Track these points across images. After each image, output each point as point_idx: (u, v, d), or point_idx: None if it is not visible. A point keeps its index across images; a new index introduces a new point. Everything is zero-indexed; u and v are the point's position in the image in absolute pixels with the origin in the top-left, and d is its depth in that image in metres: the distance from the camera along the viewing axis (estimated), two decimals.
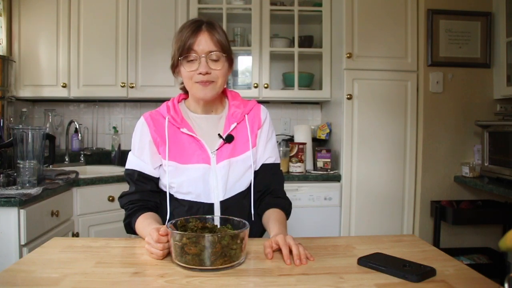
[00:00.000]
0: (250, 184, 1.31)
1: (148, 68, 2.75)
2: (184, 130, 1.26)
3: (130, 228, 1.26)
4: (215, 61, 1.23)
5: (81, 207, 2.24)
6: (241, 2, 2.83)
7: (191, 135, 1.26)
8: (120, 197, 1.31)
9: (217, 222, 1.08)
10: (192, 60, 1.22)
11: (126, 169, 1.30)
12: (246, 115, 1.33)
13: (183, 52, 1.22)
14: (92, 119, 3.07)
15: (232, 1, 2.82)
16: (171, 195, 1.27)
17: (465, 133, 2.56)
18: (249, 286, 0.86)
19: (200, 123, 1.31)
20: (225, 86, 1.33)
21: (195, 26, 1.23)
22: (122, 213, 1.31)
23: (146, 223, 1.18)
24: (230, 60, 1.29)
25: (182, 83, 1.34)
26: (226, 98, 1.38)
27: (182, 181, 1.25)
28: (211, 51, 1.22)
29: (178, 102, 1.35)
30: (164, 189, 1.29)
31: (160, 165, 1.29)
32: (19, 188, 1.85)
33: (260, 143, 1.34)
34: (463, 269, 0.95)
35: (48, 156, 2.27)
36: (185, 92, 1.37)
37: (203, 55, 1.21)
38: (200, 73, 1.21)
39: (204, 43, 1.21)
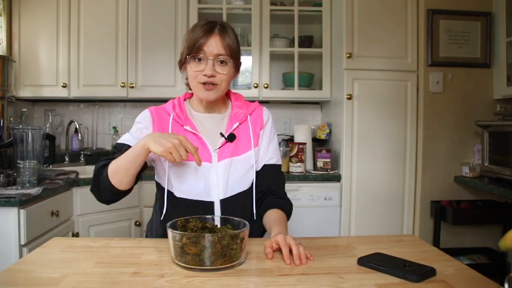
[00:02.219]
0: (252, 184, 1.31)
1: (148, 68, 2.75)
2: (188, 127, 1.27)
3: (100, 176, 1.18)
4: (222, 65, 1.24)
5: (81, 207, 2.24)
6: (241, 2, 2.83)
7: (193, 133, 1.27)
8: (99, 160, 1.24)
9: (217, 222, 1.08)
10: (199, 60, 1.23)
11: (117, 143, 1.28)
12: (248, 116, 1.34)
13: (192, 51, 1.23)
14: (92, 119, 3.07)
15: (232, 1, 2.83)
16: (171, 193, 1.27)
17: (465, 133, 2.56)
18: (249, 286, 0.86)
19: (203, 122, 1.32)
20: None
21: (209, 28, 1.24)
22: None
23: (128, 151, 1.15)
24: (237, 65, 1.31)
25: (187, 78, 1.35)
26: (229, 99, 1.39)
27: (183, 178, 1.25)
28: (219, 55, 1.23)
29: (184, 100, 1.36)
30: (163, 185, 1.28)
31: (152, 160, 1.28)
32: (19, 188, 1.85)
33: (262, 144, 1.35)
34: (463, 269, 0.95)
35: (48, 156, 2.27)
36: (190, 88, 1.38)
37: (210, 57, 1.22)
38: (205, 75, 1.22)
39: (214, 45, 1.22)
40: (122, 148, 1.25)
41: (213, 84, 1.24)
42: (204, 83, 1.24)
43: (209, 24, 1.25)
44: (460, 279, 0.89)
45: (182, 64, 1.30)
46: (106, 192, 1.20)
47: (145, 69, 2.75)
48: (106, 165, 1.20)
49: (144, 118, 1.30)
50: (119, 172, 1.16)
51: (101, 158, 1.26)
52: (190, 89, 1.39)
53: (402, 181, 2.57)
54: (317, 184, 2.53)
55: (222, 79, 1.25)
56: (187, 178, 1.25)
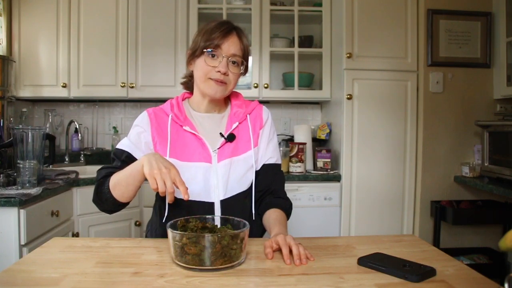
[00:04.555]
0: (252, 183, 1.31)
1: (148, 68, 2.75)
2: (187, 128, 1.27)
3: (102, 187, 1.20)
4: (234, 65, 1.26)
5: (81, 207, 2.24)
6: (241, 2, 2.83)
7: (193, 133, 1.27)
8: (100, 169, 1.26)
9: (217, 222, 1.08)
10: (214, 57, 1.25)
11: (116, 149, 1.28)
12: (248, 115, 1.34)
13: (209, 46, 1.24)
14: (92, 119, 3.07)
15: (232, 1, 2.82)
16: None
17: (465, 133, 2.56)
18: (249, 286, 0.86)
19: (202, 122, 1.32)
20: None
21: (228, 29, 1.26)
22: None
23: (130, 166, 1.14)
24: (246, 68, 1.33)
25: (184, 77, 1.36)
26: (229, 98, 1.39)
27: (183, 179, 1.24)
28: (235, 55, 1.25)
29: (182, 100, 1.36)
30: None
31: None
32: (19, 188, 1.85)
33: (262, 143, 1.35)
34: (463, 269, 0.95)
35: (48, 156, 2.27)
36: (186, 88, 1.39)
37: (225, 56, 1.24)
38: (219, 71, 1.23)
39: (232, 45, 1.25)
40: (121, 155, 1.25)
41: (223, 82, 1.25)
42: (215, 79, 1.25)
43: (227, 25, 1.28)
44: (460, 279, 0.89)
45: (194, 57, 1.29)
46: (108, 203, 1.21)
47: (145, 69, 2.75)
48: (107, 175, 1.21)
49: (142, 120, 1.30)
50: (120, 187, 1.16)
51: (102, 166, 1.28)
52: (186, 89, 1.39)
53: (402, 181, 2.57)
54: (317, 184, 2.53)
55: (231, 79, 1.27)
56: (187, 179, 1.24)
